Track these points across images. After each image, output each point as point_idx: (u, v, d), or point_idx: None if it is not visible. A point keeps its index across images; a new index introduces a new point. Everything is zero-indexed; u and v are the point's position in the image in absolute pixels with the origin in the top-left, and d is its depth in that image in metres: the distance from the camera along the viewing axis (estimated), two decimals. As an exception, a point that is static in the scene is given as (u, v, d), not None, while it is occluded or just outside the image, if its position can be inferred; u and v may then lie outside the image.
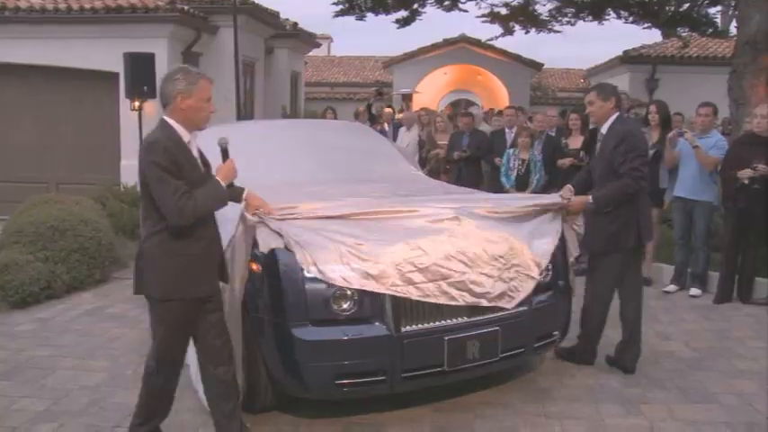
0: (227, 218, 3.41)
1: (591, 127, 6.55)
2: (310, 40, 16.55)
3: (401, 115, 10.58)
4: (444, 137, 8.88)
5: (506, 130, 8.06)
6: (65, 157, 10.90)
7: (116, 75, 9.71)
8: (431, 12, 41.85)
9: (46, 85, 10.87)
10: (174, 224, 2.93)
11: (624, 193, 4.09)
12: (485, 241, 3.68)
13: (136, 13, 10.32)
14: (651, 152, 6.31)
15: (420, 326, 3.48)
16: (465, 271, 3.54)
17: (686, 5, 11.89)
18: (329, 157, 5.14)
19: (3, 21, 10.46)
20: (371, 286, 3.37)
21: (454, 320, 3.56)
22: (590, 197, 4.17)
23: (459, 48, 19.38)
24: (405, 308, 3.44)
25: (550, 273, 4.00)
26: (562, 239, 4.16)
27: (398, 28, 12.80)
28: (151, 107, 8.51)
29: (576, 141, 7.24)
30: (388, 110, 10.59)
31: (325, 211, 3.67)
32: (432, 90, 19.82)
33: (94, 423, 3.58)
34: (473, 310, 3.60)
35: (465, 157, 8.04)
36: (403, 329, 3.42)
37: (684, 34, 13.52)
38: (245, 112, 11.57)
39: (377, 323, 3.41)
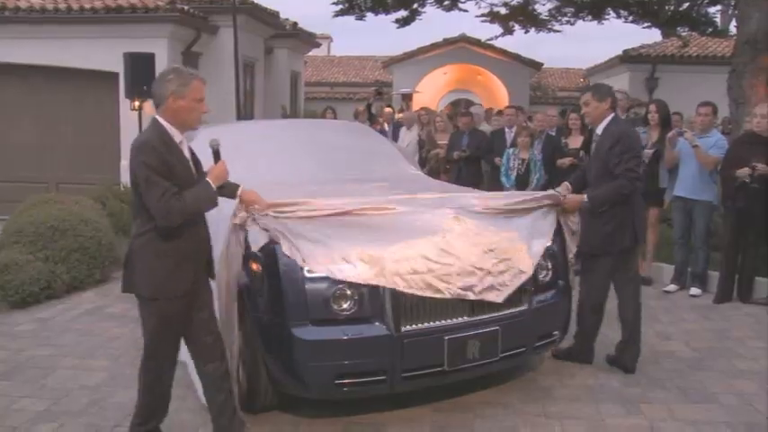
0: (225, 214, 3.42)
1: (590, 127, 6.55)
2: (310, 40, 16.55)
3: (401, 115, 10.58)
4: (444, 136, 8.88)
5: (506, 130, 8.06)
6: (65, 157, 10.91)
7: (116, 75, 9.72)
8: (430, 11, 41.89)
9: (46, 85, 10.87)
10: (161, 224, 2.94)
11: (619, 193, 4.11)
12: (476, 236, 3.66)
13: (136, 13, 10.32)
14: (651, 152, 6.34)
15: (420, 325, 3.48)
16: (452, 263, 3.52)
17: (686, 5, 11.88)
18: (329, 157, 5.14)
19: (3, 21, 10.46)
20: (356, 277, 3.36)
21: (454, 320, 3.56)
22: (585, 196, 4.18)
23: (458, 47, 19.38)
24: (405, 307, 3.44)
25: (550, 272, 4.00)
26: (562, 239, 4.16)
27: (398, 28, 12.79)
28: (151, 107, 8.49)
29: (575, 141, 7.24)
30: (387, 109, 10.59)
31: (316, 207, 3.63)
32: (431, 90, 19.82)
33: (94, 423, 3.59)
34: (473, 309, 3.60)
35: (465, 157, 8.04)
36: (403, 329, 3.42)
37: (684, 34, 13.52)
38: (244, 112, 11.56)
39: (377, 323, 3.41)
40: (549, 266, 4.00)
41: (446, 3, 12.39)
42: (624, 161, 4.07)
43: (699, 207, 6.13)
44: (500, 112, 9.53)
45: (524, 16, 12.72)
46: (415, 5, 12.37)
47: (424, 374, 3.52)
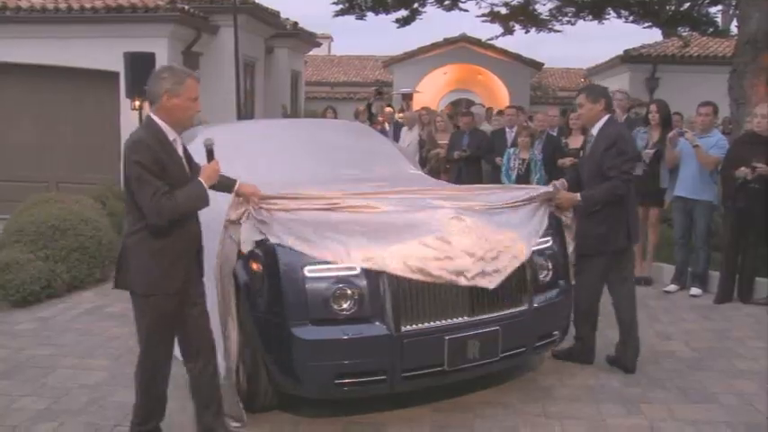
0: (220, 211, 3.44)
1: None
2: (310, 40, 16.55)
3: (401, 115, 10.58)
4: (445, 136, 8.87)
5: (507, 130, 8.07)
6: (65, 157, 10.91)
7: (116, 74, 9.72)
8: (431, 11, 41.83)
9: (46, 85, 10.87)
10: (152, 223, 2.96)
11: (613, 194, 4.13)
12: (471, 230, 3.65)
13: (136, 12, 10.32)
14: (652, 152, 6.34)
15: (420, 325, 3.47)
16: (445, 249, 3.51)
17: (687, 5, 11.87)
18: (329, 157, 5.14)
19: (3, 20, 10.47)
20: (347, 260, 3.37)
21: (454, 320, 3.56)
22: (579, 195, 4.19)
23: (459, 47, 19.37)
24: (405, 307, 3.44)
25: (551, 272, 4.00)
26: (562, 239, 4.17)
27: (398, 27, 12.79)
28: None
29: (576, 141, 7.23)
30: (388, 109, 10.59)
31: (311, 197, 3.69)
32: (432, 89, 19.82)
33: (94, 422, 3.59)
34: (474, 309, 3.60)
35: (465, 157, 8.04)
36: (403, 329, 3.42)
37: (685, 33, 13.51)
38: (245, 111, 11.56)
39: (377, 323, 3.41)
40: (550, 266, 3.99)
41: (446, 2, 12.38)
42: (619, 164, 4.09)
43: (699, 207, 6.13)
44: (500, 112, 9.53)
45: (525, 16, 12.72)
46: (416, 5, 12.36)
47: (424, 374, 3.52)
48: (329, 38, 28.37)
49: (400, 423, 3.59)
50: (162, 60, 8.96)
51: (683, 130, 6.27)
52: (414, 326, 3.45)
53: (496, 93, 19.52)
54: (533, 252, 3.88)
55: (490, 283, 3.57)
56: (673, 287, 6.35)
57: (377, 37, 53.80)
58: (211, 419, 3.30)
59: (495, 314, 3.65)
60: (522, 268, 3.76)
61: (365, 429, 3.55)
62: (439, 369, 3.53)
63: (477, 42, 18.68)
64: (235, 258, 3.51)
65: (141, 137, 3.01)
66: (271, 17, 13.03)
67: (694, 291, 6.20)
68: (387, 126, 9.81)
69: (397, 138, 9.03)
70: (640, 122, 6.94)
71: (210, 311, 3.62)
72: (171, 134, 3.07)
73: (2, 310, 5.59)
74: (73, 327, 5.23)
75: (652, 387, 4.10)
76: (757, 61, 7.29)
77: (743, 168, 5.62)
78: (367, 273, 3.41)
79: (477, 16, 12.80)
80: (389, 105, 11.32)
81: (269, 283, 3.45)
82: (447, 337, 3.49)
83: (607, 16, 12.27)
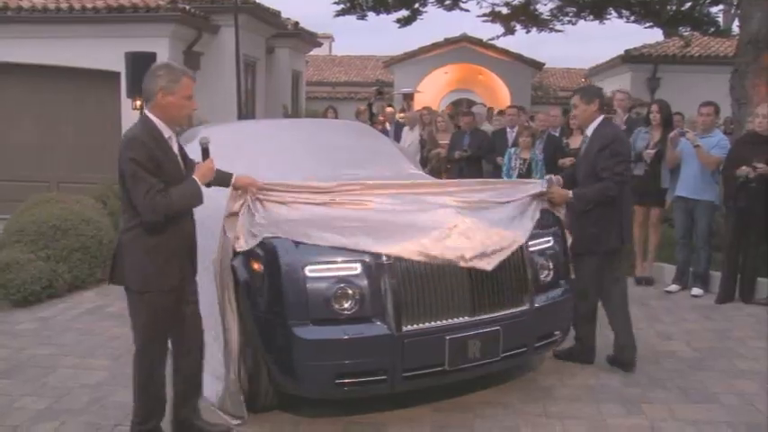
0: (214, 208, 3.47)
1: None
2: (311, 40, 16.55)
3: (401, 115, 10.57)
4: (445, 136, 8.87)
5: (508, 130, 8.07)
6: (66, 157, 10.92)
7: (117, 74, 9.72)
8: (432, 11, 41.75)
9: (48, 85, 10.88)
10: (146, 220, 2.98)
11: (605, 195, 4.16)
12: (471, 227, 3.68)
13: (137, 12, 10.33)
14: (653, 152, 6.34)
15: (421, 325, 3.47)
16: (443, 231, 3.55)
17: (688, 4, 11.85)
18: (330, 157, 5.13)
19: (5, 20, 10.48)
20: (344, 245, 3.42)
21: (455, 320, 3.55)
22: (571, 192, 4.23)
23: (460, 47, 19.36)
24: (406, 307, 3.43)
25: (551, 272, 4.00)
26: (563, 239, 4.17)
27: (399, 27, 12.77)
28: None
29: (576, 141, 7.20)
30: (389, 109, 10.59)
31: (307, 188, 3.77)
32: (433, 89, 19.81)
33: (95, 421, 3.59)
34: (474, 309, 3.60)
35: (466, 157, 8.04)
36: (404, 329, 3.42)
37: (686, 33, 13.48)
38: (246, 111, 11.57)
39: (378, 322, 3.41)
40: (551, 266, 3.99)
41: (447, 2, 12.37)
42: (612, 165, 4.12)
43: (700, 207, 6.12)
44: (501, 112, 9.52)
45: (526, 16, 12.70)
46: (417, 5, 12.35)
47: (424, 374, 3.52)
48: (330, 38, 28.38)
49: (401, 423, 3.59)
50: (163, 60, 8.96)
51: (684, 131, 6.26)
52: (414, 326, 3.45)
53: (497, 93, 19.51)
54: (534, 252, 3.89)
55: (488, 264, 3.58)
56: (674, 287, 6.34)
57: (378, 37, 53.80)
58: (188, 412, 3.35)
59: (496, 314, 3.65)
60: (522, 268, 3.77)
61: (365, 429, 3.55)
62: (440, 369, 3.53)
63: (478, 42, 18.67)
64: (231, 253, 3.56)
65: (136, 134, 3.03)
66: (272, 17, 13.03)
67: (696, 291, 6.19)
68: (388, 126, 9.81)
69: (398, 138, 9.03)
70: (641, 122, 6.94)
71: (210, 305, 3.65)
72: (166, 131, 3.09)
73: (3, 310, 5.60)
74: (74, 326, 5.23)
75: (653, 387, 4.09)
76: (759, 61, 7.28)
77: (744, 167, 5.62)
78: (368, 273, 3.41)
79: (478, 16, 12.80)
80: (390, 105, 11.32)
81: (270, 283, 3.45)
82: (448, 337, 3.49)
83: (608, 16, 12.25)
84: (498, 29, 13.38)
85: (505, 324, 3.65)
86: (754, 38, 7.32)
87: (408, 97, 15.43)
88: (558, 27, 12.97)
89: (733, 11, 14.07)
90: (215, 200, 3.49)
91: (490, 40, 15.02)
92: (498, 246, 3.66)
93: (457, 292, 3.56)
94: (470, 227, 3.64)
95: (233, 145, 4.56)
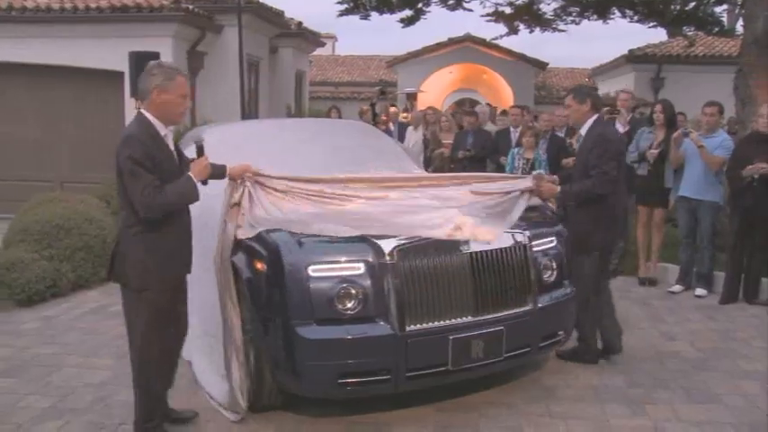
0: (211, 206, 3.54)
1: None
2: (315, 40, 16.55)
3: (405, 115, 10.57)
4: (449, 136, 8.87)
5: (511, 130, 8.06)
6: (70, 156, 10.94)
7: (121, 74, 9.74)
8: (435, 11, 41.74)
9: (52, 84, 10.89)
10: (143, 216, 3.02)
11: (591, 192, 4.22)
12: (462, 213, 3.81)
13: (141, 12, 10.34)
14: (656, 152, 6.32)
15: (424, 325, 3.48)
16: (441, 210, 3.73)
17: (692, 4, 11.82)
18: (333, 156, 5.13)
19: (9, 20, 10.50)
20: (335, 231, 3.52)
21: (459, 320, 3.56)
22: (559, 187, 4.30)
23: (463, 47, 19.36)
24: (409, 307, 3.44)
25: (555, 272, 4.00)
26: (565, 240, 4.17)
27: (403, 27, 12.77)
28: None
29: (580, 141, 7.22)
30: (393, 109, 10.59)
31: (303, 182, 3.84)
32: (436, 89, 19.81)
33: (99, 420, 3.60)
34: (478, 309, 3.60)
35: (469, 157, 8.03)
36: (407, 329, 3.42)
37: (690, 33, 13.46)
38: (249, 111, 11.58)
39: (381, 322, 3.41)
40: (554, 266, 4.00)
41: (451, 2, 12.36)
42: (601, 163, 4.17)
43: (704, 207, 6.11)
44: (504, 112, 9.51)
45: (529, 16, 12.69)
46: (420, 5, 12.34)
47: (428, 374, 3.52)
48: (333, 37, 28.40)
49: (404, 423, 3.59)
50: (166, 60, 8.95)
51: (688, 131, 6.24)
52: (418, 325, 3.46)
53: (501, 92, 19.51)
54: (538, 252, 3.89)
55: (488, 234, 3.67)
56: (677, 287, 6.33)
57: (381, 37, 53.84)
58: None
59: (500, 314, 3.65)
60: (526, 268, 3.77)
61: (368, 429, 3.55)
62: (443, 369, 3.53)
63: (482, 42, 18.67)
64: (232, 241, 3.61)
65: (133, 132, 3.07)
66: (275, 17, 13.03)
67: (699, 291, 6.18)
68: (391, 126, 9.81)
69: (401, 137, 9.03)
70: (645, 122, 6.92)
71: (211, 307, 3.68)
72: (162, 129, 3.13)
73: (7, 310, 5.61)
74: (77, 326, 5.24)
75: (656, 387, 4.09)
76: (763, 61, 7.26)
77: (750, 167, 5.60)
78: (371, 272, 3.42)
79: (482, 16, 12.79)
80: (393, 105, 11.32)
81: (273, 283, 3.45)
82: (451, 337, 3.49)
83: (612, 16, 12.23)
84: (502, 29, 13.40)
85: (509, 324, 3.65)
86: (759, 37, 7.29)
87: (411, 97, 15.43)
88: (562, 27, 12.97)
89: (737, 10, 14.02)
90: (212, 197, 3.53)
91: (493, 39, 15.02)
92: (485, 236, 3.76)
93: (460, 292, 3.56)
94: (463, 220, 3.72)
95: (236, 144, 4.57)
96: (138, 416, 3.25)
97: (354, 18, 12.60)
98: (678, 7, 11.93)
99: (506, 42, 17.62)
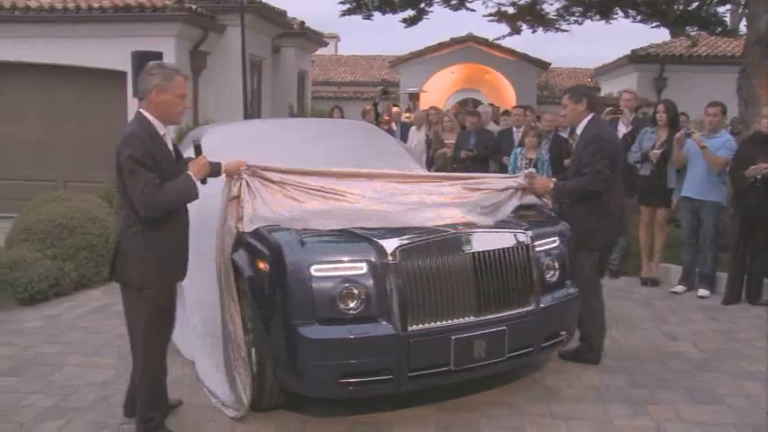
0: (208, 205, 3.58)
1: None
2: (317, 39, 16.55)
3: (408, 114, 10.56)
4: (451, 136, 8.87)
5: (514, 130, 8.05)
6: (73, 156, 10.96)
7: (124, 73, 9.76)
8: (438, 11, 41.77)
9: (55, 84, 10.92)
10: (143, 215, 3.04)
11: (584, 189, 4.28)
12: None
13: (144, 12, 10.36)
14: (659, 152, 6.32)
15: (427, 325, 3.47)
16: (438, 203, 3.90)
17: (695, 4, 11.78)
18: (336, 156, 5.13)
19: (12, 20, 10.53)
20: (327, 223, 3.61)
21: (461, 320, 3.55)
22: (552, 183, 4.39)
23: (466, 47, 19.37)
24: (411, 307, 3.44)
25: (557, 273, 4.00)
26: (568, 240, 4.16)
27: (405, 27, 12.74)
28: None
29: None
30: (395, 109, 10.59)
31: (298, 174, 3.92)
32: (439, 89, 19.82)
33: (101, 420, 3.60)
34: (480, 309, 3.60)
35: (472, 157, 8.03)
36: (409, 328, 3.42)
37: (693, 33, 13.42)
38: (252, 110, 11.58)
39: (383, 322, 3.41)
40: (556, 266, 3.99)
41: (453, 2, 12.34)
42: (593, 162, 4.22)
43: (707, 207, 6.10)
44: (506, 112, 9.51)
45: (532, 16, 12.67)
46: (423, 5, 12.33)
47: (430, 374, 3.52)
48: (336, 37, 28.38)
49: (406, 423, 3.59)
50: (169, 59, 8.98)
51: (691, 131, 6.24)
52: (420, 325, 3.46)
53: (503, 92, 19.50)
54: (540, 252, 3.89)
55: (486, 219, 3.84)
56: (680, 288, 6.32)
57: (384, 37, 53.83)
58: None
59: (502, 314, 3.65)
60: (528, 268, 3.78)
61: (370, 429, 3.55)
62: (445, 369, 3.53)
63: (485, 42, 18.67)
64: (233, 236, 3.65)
65: (134, 131, 3.09)
66: (277, 16, 13.04)
67: (702, 292, 6.17)
68: (394, 126, 9.81)
69: (403, 137, 9.03)
70: (648, 123, 6.91)
71: (211, 308, 3.69)
72: (161, 129, 3.16)
73: (10, 308, 5.62)
74: (80, 325, 5.25)
75: (658, 388, 4.08)
76: (766, 61, 7.24)
77: (752, 167, 5.59)
78: (374, 272, 3.42)
79: (485, 16, 12.76)
80: (396, 105, 11.32)
81: (275, 282, 3.45)
82: (453, 337, 3.49)
83: (615, 16, 12.20)
84: (504, 29, 13.35)
85: (511, 324, 3.65)
86: (762, 37, 7.28)
87: (414, 97, 15.42)
88: (565, 27, 12.93)
89: (740, 10, 14.01)
90: (210, 197, 3.54)
91: (496, 39, 14.98)
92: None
93: (463, 292, 3.56)
94: (455, 212, 3.84)
95: (238, 144, 4.57)
96: (140, 413, 3.26)
97: (357, 18, 12.59)
98: (681, 7, 11.90)
99: (509, 42, 17.69)
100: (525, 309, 3.74)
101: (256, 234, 3.64)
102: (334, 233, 3.68)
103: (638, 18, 12.15)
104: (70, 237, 6.30)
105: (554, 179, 4.57)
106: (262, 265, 3.54)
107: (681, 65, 15.48)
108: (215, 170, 3.49)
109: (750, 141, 6.12)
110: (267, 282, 3.51)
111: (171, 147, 3.24)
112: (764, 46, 7.27)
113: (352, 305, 3.39)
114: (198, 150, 3.33)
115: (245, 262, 3.65)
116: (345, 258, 3.45)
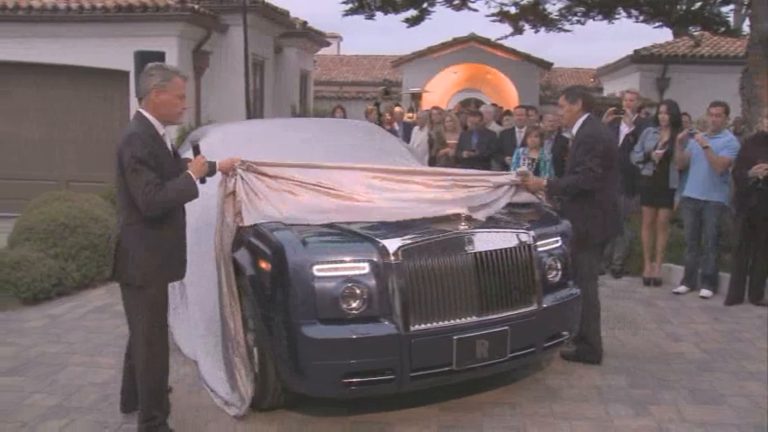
0: (206, 205, 3.63)
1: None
2: (320, 39, 16.55)
3: (410, 115, 10.57)
4: (454, 136, 8.87)
5: (516, 130, 8.05)
6: (75, 155, 10.98)
7: (126, 73, 9.76)
8: (440, 11, 41.77)
9: (57, 84, 10.94)
10: (145, 214, 3.07)
11: (576, 186, 4.35)
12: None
13: (146, 11, 10.37)
14: (661, 152, 6.30)
15: (429, 325, 3.47)
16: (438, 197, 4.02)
17: (698, 4, 11.78)
18: (339, 156, 5.13)
19: (15, 20, 10.54)
20: (327, 217, 3.67)
21: (463, 320, 3.55)
22: (545, 181, 4.53)
23: (468, 47, 19.36)
24: (414, 307, 3.44)
25: (560, 273, 3.99)
26: (570, 241, 4.16)
27: (408, 27, 12.77)
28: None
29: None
30: (397, 108, 10.59)
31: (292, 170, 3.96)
32: (441, 89, 19.82)
33: (103, 419, 3.61)
34: (482, 309, 3.59)
35: (474, 157, 8.02)
36: (411, 328, 3.42)
37: (696, 33, 13.41)
38: (254, 110, 11.59)
39: (385, 322, 3.41)
40: (559, 266, 3.99)
41: (456, 2, 12.34)
42: (586, 160, 4.28)
43: (709, 208, 6.09)
44: (508, 112, 9.50)
45: (534, 16, 12.67)
46: (425, 5, 12.34)
47: (432, 374, 3.52)
48: (338, 37, 28.37)
49: (407, 422, 3.59)
50: (172, 59, 9.01)
51: (693, 131, 6.22)
52: (422, 325, 3.45)
53: (506, 92, 19.49)
54: (542, 252, 3.89)
55: (485, 213, 3.95)
56: (682, 288, 6.31)
57: (386, 36, 53.84)
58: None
59: (504, 314, 3.65)
60: (530, 268, 3.78)
61: (372, 428, 3.55)
62: (447, 369, 3.53)
63: (487, 42, 18.66)
64: (233, 234, 3.67)
65: (135, 130, 3.12)
66: (280, 16, 13.05)
67: (704, 292, 6.16)
68: (396, 126, 9.81)
69: (406, 137, 9.03)
70: (650, 123, 6.90)
71: (212, 309, 3.69)
72: (160, 128, 3.19)
73: (12, 308, 5.63)
74: (82, 324, 5.26)
75: (660, 388, 4.08)
76: (769, 61, 7.24)
77: (755, 168, 5.58)
78: (376, 272, 3.42)
79: (487, 16, 12.78)
80: (398, 105, 11.32)
81: (277, 282, 3.46)
82: (455, 337, 3.49)
83: (617, 16, 12.19)
84: (506, 28, 13.37)
85: (513, 324, 3.65)
86: (765, 37, 7.27)
87: (416, 97, 15.41)
88: (567, 27, 12.93)
89: (743, 10, 13.98)
90: (209, 197, 3.55)
91: (498, 39, 14.99)
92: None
93: (465, 292, 3.56)
94: (449, 206, 3.92)
95: (241, 144, 4.57)
96: (142, 412, 3.26)
97: (359, 18, 12.62)
98: (684, 7, 11.89)
99: (511, 42, 17.60)
100: (527, 309, 3.74)
101: (258, 233, 3.65)
102: (336, 233, 3.68)
103: (641, 18, 12.15)
104: (72, 236, 6.31)
105: (548, 177, 4.63)
106: (264, 265, 3.54)
107: (683, 65, 15.46)
108: (211, 170, 3.51)
109: (753, 141, 6.11)
110: (269, 281, 3.51)
111: (170, 146, 3.28)
112: (767, 46, 7.26)
113: (354, 305, 3.39)
114: (196, 150, 3.37)
115: (246, 261, 3.66)
116: (348, 258, 3.45)
